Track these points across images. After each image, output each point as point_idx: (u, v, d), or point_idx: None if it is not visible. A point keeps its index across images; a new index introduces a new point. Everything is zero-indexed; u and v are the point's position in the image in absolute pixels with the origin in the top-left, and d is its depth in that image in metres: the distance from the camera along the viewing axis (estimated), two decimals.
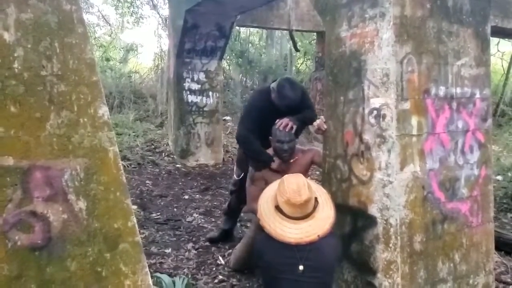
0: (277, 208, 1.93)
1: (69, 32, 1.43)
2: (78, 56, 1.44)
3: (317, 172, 5.56)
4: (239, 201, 3.37)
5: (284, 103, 2.82)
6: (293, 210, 1.89)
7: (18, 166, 1.33)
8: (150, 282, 1.55)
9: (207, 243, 3.48)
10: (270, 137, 2.76)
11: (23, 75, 1.35)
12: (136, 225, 1.54)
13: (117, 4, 10.81)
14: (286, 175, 2.03)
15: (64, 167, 1.40)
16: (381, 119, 2.07)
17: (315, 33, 8.54)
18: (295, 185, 1.90)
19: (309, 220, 1.91)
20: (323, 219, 1.95)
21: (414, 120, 2.04)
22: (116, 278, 1.48)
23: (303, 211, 1.90)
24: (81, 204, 1.42)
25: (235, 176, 3.42)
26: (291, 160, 2.77)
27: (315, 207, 1.94)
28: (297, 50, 8.98)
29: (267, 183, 2.46)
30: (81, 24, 1.45)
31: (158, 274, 2.47)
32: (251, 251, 2.19)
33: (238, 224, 3.94)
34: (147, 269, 1.54)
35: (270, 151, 2.83)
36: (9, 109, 1.32)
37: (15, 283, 1.31)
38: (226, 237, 3.52)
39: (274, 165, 2.78)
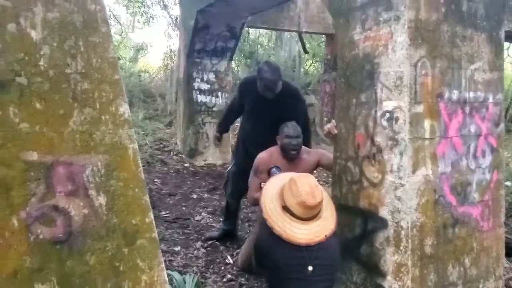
0: (285, 209, 1.93)
1: (93, 32, 1.46)
2: (101, 55, 1.48)
3: (325, 174, 5.57)
4: (229, 196, 3.43)
5: (262, 83, 2.95)
6: (305, 211, 1.89)
7: (42, 161, 1.36)
8: (166, 278, 1.58)
9: (216, 242, 3.50)
10: (277, 136, 2.76)
11: (48, 73, 1.38)
12: (153, 222, 1.57)
13: (128, 3, 10.91)
14: (296, 175, 2.02)
15: (86, 163, 1.43)
16: (393, 122, 2.08)
17: (324, 35, 8.54)
18: (308, 187, 1.90)
19: (316, 220, 1.93)
20: (328, 218, 1.97)
21: (427, 124, 2.06)
22: (133, 273, 1.51)
23: (314, 212, 1.91)
24: (101, 200, 1.46)
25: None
26: (296, 160, 2.76)
27: (321, 207, 1.96)
28: (306, 52, 9.00)
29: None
30: (104, 24, 1.48)
31: (168, 271, 2.49)
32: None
33: (246, 224, 3.97)
34: (163, 265, 1.57)
35: (273, 149, 2.83)
36: (35, 106, 1.36)
37: (37, 275, 1.35)
38: (226, 238, 3.52)
39: (279, 165, 2.79)
